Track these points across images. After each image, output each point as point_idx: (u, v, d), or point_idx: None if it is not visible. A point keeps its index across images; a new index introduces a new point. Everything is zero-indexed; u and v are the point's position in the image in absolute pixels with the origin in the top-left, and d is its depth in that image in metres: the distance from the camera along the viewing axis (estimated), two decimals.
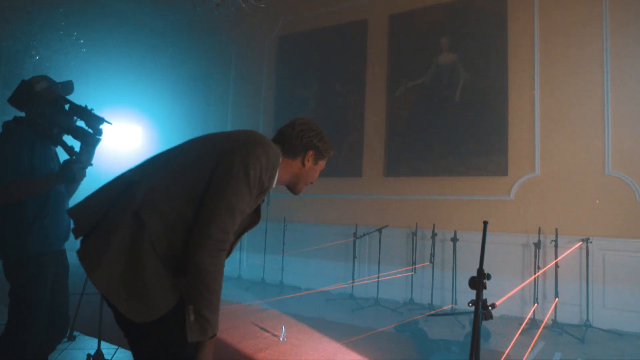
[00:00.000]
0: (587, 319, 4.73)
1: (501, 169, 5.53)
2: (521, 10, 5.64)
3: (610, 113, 5.04)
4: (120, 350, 3.66)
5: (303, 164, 1.73)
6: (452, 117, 5.90)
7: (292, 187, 1.80)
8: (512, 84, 5.59)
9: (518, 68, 5.58)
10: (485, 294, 1.59)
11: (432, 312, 5.24)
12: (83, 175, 2.25)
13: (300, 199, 6.87)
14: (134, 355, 1.56)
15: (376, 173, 6.45)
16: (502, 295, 5.04)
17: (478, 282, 1.55)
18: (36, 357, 2.15)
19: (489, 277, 1.56)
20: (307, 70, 7.23)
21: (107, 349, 3.53)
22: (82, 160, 2.23)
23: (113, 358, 3.44)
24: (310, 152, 1.72)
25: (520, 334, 4.53)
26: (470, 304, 1.57)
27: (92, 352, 3.30)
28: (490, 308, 1.57)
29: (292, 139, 1.70)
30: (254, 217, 1.70)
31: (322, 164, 1.79)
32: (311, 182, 1.81)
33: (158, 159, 1.64)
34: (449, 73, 6.00)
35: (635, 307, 4.70)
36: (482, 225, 1.71)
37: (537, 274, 4.99)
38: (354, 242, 6.00)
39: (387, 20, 6.58)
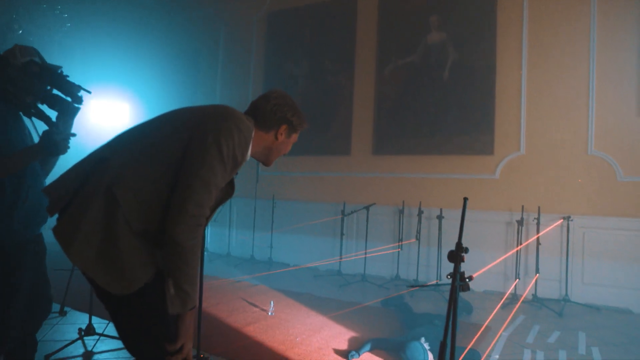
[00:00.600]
0: (566, 294, 4.90)
1: (487, 148, 5.61)
2: None
3: (594, 94, 5.12)
4: (112, 324, 3.73)
5: (276, 138, 1.73)
6: (441, 96, 5.94)
7: (264, 160, 1.80)
8: (500, 64, 5.62)
9: (506, 48, 5.61)
10: (465, 267, 1.66)
11: (413, 285, 5.38)
12: (66, 147, 2.03)
13: (289, 177, 6.91)
14: (116, 327, 1.61)
15: (364, 151, 6.50)
16: (486, 271, 5.19)
17: (456, 255, 1.61)
18: (19, 338, 2.14)
19: (466, 250, 1.63)
20: (297, 47, 7.18)
21: (98, 323, 3.59)
22: (61, 130, 2.01)
23: (105, 331, 3.50)
24: (284, 126, 1.72)
25: (502, 308, 4.68)
26: (449, 276, 1.64)
27: (84, 326, 3.36)
28: (467, 280, 1.65)
29: (266, 113, 1.69)
30: (228, 190, 1.70)
31: (294, 137, 1.80)
32: (284, 154, 1.82)
33: (128, 135, 1.65)
34: (438, 52, 6.02)
35: (612, 282, 4.87)
36: (467, 204, 1.78)
37: (515, 249, 5.14)
38: (342, 219, 6.09)
39: None
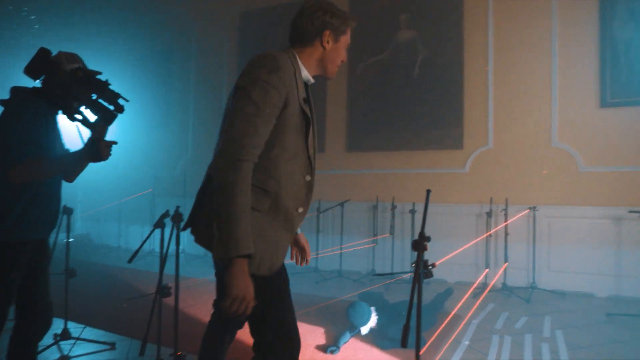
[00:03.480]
0: (534, 281, 5.11)
1: (457, 143, 5.78)
2: None
3: (557, 89, 5.33)
4: (88, 328, 3.72)
5: (323, 47, 1.65)
6: (411, 93, 6.08)
7: (323, 73, 1.72)
8: (468, 60, 5.79)
9: (473, 45, 5.78)
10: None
11: (379, 274, 5.55)
12: (109, 153, 2.00)
13: None
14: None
15: (338, 148, 6.60)
16: (455, 261, 5.35)
17: (420, 244, 1.70)
18: (20, 347, 2.11)
19: (429, 239, 1.72)
20: (270, 46, 7.17)
21: (74, 327, 3.58)
22: (104, 137, 2.02)
23: (81, 335, 3.49)
24: (327, 32, 1.63)
25: (473, 297, 4.85)
26: (413, 265, 1.73)
27: (59, 331, 3.35)
28: (430, 267, 1.74)
29: (305, 27, 1.62)
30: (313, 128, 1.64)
31: (344, 39, 1.71)
32: (342, 61, 1.74)
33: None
34: (408, 49, 6.15)
35: (576, 268, 5.10)
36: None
37: (482, 236, 5.32)
38: (318, 216, 6.17)
39: None
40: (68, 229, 3.40)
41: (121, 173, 8.40)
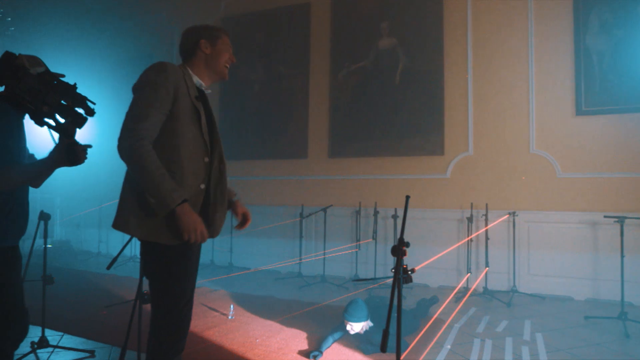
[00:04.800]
0: (514, 285, 5.19)
1: (438, 149, 5.86)
2: None
3: (534, 97, 5.45)
4: (66, 336, 3.66)
5: (205, 53, 1.99)
6: (392, 100, 6.15)
7: (214, 74, 2.04)
8: (448, 68, 5.89)
9: (453, 52, 5.88)
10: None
11: (359, 279, 5.57)
12: (84, 157, 2.01)
13: (247, 181, 6.93)
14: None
15: (321, 154, 6.62)
16: (438, 266, 5.41)
17: (398, 249, 1.73)
18: None
19: (408, 245, 1.75)
20: (252, 53, 7.22)
21: (51, 335, 3.52)
22: (77, 141, 1.99)
23: (59, 343, 3.43)
24: (202, 41, 1.99)
25: (455, 301, 4.90)
26: (392, 270, 1.75)
27: (36, 339, 3.28)
28: (410, 272, 1.76)
29: (185, 44, 2.02)
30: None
31: (221, 42, 2.02)
32: (232, 61, 2.07)
33: None
34: (389, 57, 6.22)
35: (555, 272, 5.20)
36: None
37: (460, 242, 5.39)
38: (301, 221, 6.17)
39: (329, 3, 6.68)
40: (45, 235, 3.34)
41: (101, 178, 8.28)
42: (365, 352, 3.29)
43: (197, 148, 1.85)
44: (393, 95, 6.14)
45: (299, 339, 3.61)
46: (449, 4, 5.93)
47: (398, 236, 1.64)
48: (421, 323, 3.89)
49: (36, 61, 2.04)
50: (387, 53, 6.23)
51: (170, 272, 1.81)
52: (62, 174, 9.20)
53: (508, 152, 5.55)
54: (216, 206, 1.97)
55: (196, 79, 1.98)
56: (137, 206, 1.78)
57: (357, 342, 3.46)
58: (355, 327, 3.37)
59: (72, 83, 2.00)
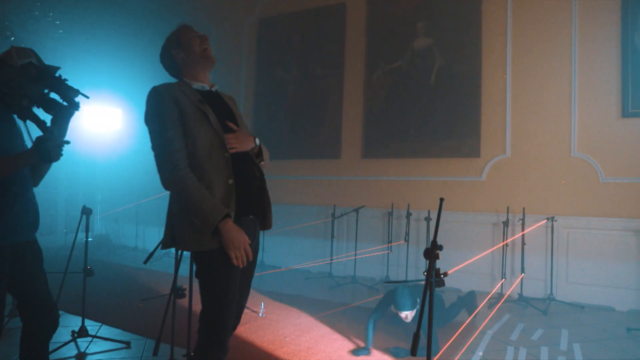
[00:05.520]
0: (551, 293, 5.02)
1: (474, 151, 5.73)
2: None
3: (576, 98, 5.25)
4: (104, 326, 3.79)
5: (180, 55, 2.03)
6: (428, 101, 6.06)
7: (203, 62, 2.04)
8: (485, 69, 5.75)
9: (491, 53, 5.74)
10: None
11: (391, 281, 5.52)
12: (59, 154, 1.92)
13: (281, 180, 6.99)
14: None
15: (354, 155, 6.60)
16: (471, 271, 5.29)
17: (431, 252, 1.70)
18: (30, 349, 2.08)
19: (441, 248, 1.72)
20: (287, 53, 7.27)
21: (91, 325, 3.65)
22: (56, 136, 1.92)
23: (98, 333, 3.56)
24: (172, 52, 2.05)
25: (488, 307, 4.78)
26: (424, 273, 1.73)
27: (77, 328, 3.42)
28: (442, 276, 1.73)
29: (168, 67, 2.12)
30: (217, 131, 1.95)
31: (184, 37, 2.05)
32: (205, 40, 2.05)
33: None
34: (425, 57, 6.14)
35: (595, 281, 4.99)
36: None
37: (497, 245, 5.25)
38: (332, 222, 6.18)
39: (365, 4, 6.65)
40: (87, 229, 3.48)
41: (140, 176, 8.54)
42: (396, 355, 3.26)
43: (214, 147, 1.86)
44: (428, 96, 6.06)
45: (328, 339, 3.61)
46: (488, 2, 5.79)
47: (431, 239, 1.63)
48: (459, 315, 4.00)
49: (26, 53, 2.01)
50: (423, 53, 6.14)
51: (219, 275, 1.83)
52: (103, 171, 9.58)
53: (547, 155, 5.37)
54: (261, 193, 2.03)
55: (195, 84, 2.01)
56: (184, 224, 1.83)
57: (387, 345, 3.43)
58: (410, 315, 3.44)
59: (75, 81, 2.00)
